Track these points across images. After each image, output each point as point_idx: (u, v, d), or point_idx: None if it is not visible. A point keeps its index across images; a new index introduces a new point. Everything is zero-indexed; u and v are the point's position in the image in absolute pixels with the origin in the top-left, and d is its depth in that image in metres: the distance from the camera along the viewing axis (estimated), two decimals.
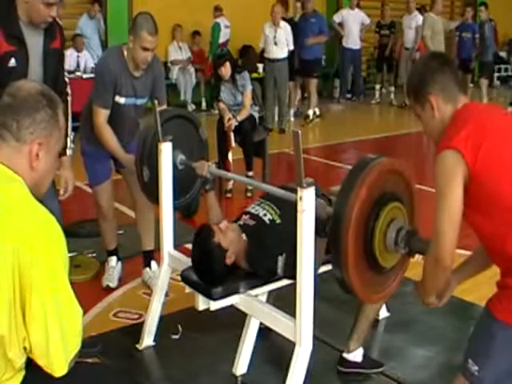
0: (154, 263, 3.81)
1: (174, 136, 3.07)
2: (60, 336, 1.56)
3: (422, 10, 11.01)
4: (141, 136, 3.25)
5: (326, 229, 2.38)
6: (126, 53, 3.42)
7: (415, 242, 2.23)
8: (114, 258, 3.89)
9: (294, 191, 2.33)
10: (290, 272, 2.53)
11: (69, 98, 3.05)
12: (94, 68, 3.78)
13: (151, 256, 3.84)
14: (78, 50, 8.96)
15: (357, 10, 10.79)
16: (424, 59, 2.21)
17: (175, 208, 3.20)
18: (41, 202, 1.66)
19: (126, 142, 3.56)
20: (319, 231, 2.40)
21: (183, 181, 3.20)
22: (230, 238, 2.65)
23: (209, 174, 3.01)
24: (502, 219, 1.87)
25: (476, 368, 1.94)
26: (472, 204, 1.87)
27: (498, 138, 1.90)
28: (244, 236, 2.73)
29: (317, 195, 2.35)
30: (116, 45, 3.65)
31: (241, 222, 2.82)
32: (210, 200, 3.03)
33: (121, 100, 3.47)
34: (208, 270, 2.65)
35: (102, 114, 3.43)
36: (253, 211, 2.86)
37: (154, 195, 3.18)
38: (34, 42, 2.79)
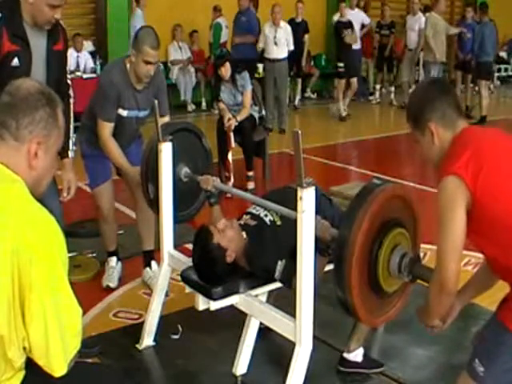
0: (154, 263, 3.81)
1: (179, 149, 3.08)
2: (59, 336, 1.56)
3: (424, 10, 11.00)
4: (145, 151, 3.26)
5: (330, 250, 2.40)
6: (128, 66, 3.44)
7: (418, 269, 2.24)
8: (114, 259, 3.89)
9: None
10: (287, 279, 2.54)
11: (71, 101, 3.05)
12: (99, 81, 3.81)
13: (151, 256, 3.83)
14: (78, 50, 8.95)
15: (357, 9, 10.76)
16: (423, 86, 2.24)
17: (178, 221, 3.21)
18: (41, 201, 1.66)
19: (125, 148, 3.57)
20: (322, 251, 2.42)
21: (187, 193, 3.22)
22: (229, 236, 2.66)
23: (213, 188, 3.01)
24: (506, 240, 1.88)
25: (482, 369, 1.96)
26: (475, 228, 1.89)
27: (497, 160, 1.92)
28: (244, 234, 2.73)
29: (317, 195, 2.35)
30: (118, 58, 3.67)
31: (241, 222, 2.83)
32: (215, 214, 3.03)
33: (123, 113, 3.49)
34: (209, 271, 2.66)
35: (107, 128, 3.46)
36: (254, 211, 2.86)
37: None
38: (38, 44, 2.80)
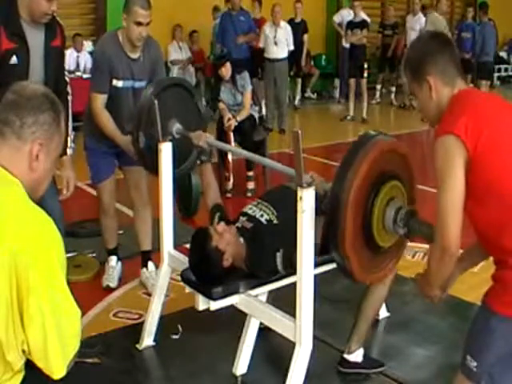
0: (150, 264, 3.81)
1: (172, 104, 3.06)
2: (58, 339, 1.56)
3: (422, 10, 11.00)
4: (140, 102, 3.19)
5: (322, 206, 2.33)
6: (120, 36, 3.44)
7: (414, 222, 2.18)
8: (114, 258, 3.89)
9: (294, 192, 2.33)
10: (290, 266, 2.53)
11: (69, 98, 3.06)
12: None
13: (148, 256, 3.83)
14: (78, 50, 8.96)
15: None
16: (425, 38, 2.14)
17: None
18: (41, 201, 1.66)
19: (125, 132, 3.50)
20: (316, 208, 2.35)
21: (179, 151, 3.15)
22: (226, 240, 2.65)
23: (206, 144, 2.99)
24: (499, 210, 1.85)
25: (475, 364, 1.93)
26: (469, 193, 1.85)
27: (496, 126, 1.89)
28: (242, 240, 2.72)
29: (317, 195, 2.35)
30: (111, 30, 3.67)
31: (238, 225, 2.81)
32: (207, 172, 3.01)
33: (118, 83, 3.46)
34: (205, 273, 2.65)
35: (99, 99, 3.44)
36: (250, 212, 2.85)
37: (149, 162, 3.16)
38: (35, 40, 2.80)
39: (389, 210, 2.17)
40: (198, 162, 3.08)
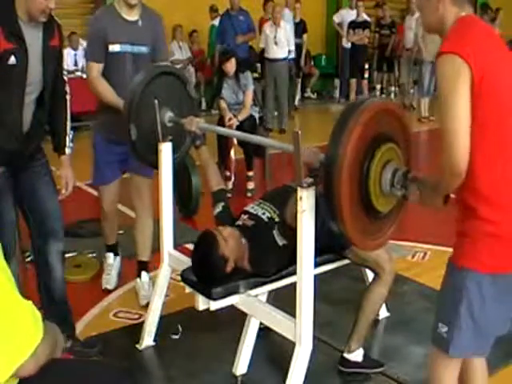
0: (144, 274, 3.70)
1: (163, 93, 3.05)
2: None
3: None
4: (129, 93, 3.12)
5: (318, 179, 2.30)
6: (117, 5, 3.42)
7: (412, 182, 2.14)
8: (111, 255, 3.86)
9: (295, 191, 2.32)
10: (288, 234, 2.53)
11: (67, 97, 3.05)
12: None
13: (143, 266, 3.73)
14: (75, 49, 8.96)
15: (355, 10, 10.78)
16: None
17: None
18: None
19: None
20: (313, 180, 2.31)
21: (173, 139, 3.11)
22: (231, 246, 2.65)
23: (198, 129, 2.99)
24: (485, 148, 1.83)
25: (445, 329, 1.89)
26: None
27: (496, 61, 1.87)
28: (243, 240, 2.72)
29: (316, 196, 2.35)
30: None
31: (240, 223, 2.82)
32: (204, 156, 3.02)
33: (115, 48, 3.40)
34: (209, 277, 2.65)
35: (95, 68, 3.42)
36: (251, 211, 2.86)
37: (142, 154, 3.15)
38: (34, 40, 2.79)
39: (385, 172, 2.13)
40: (193, 147, 3.08)
